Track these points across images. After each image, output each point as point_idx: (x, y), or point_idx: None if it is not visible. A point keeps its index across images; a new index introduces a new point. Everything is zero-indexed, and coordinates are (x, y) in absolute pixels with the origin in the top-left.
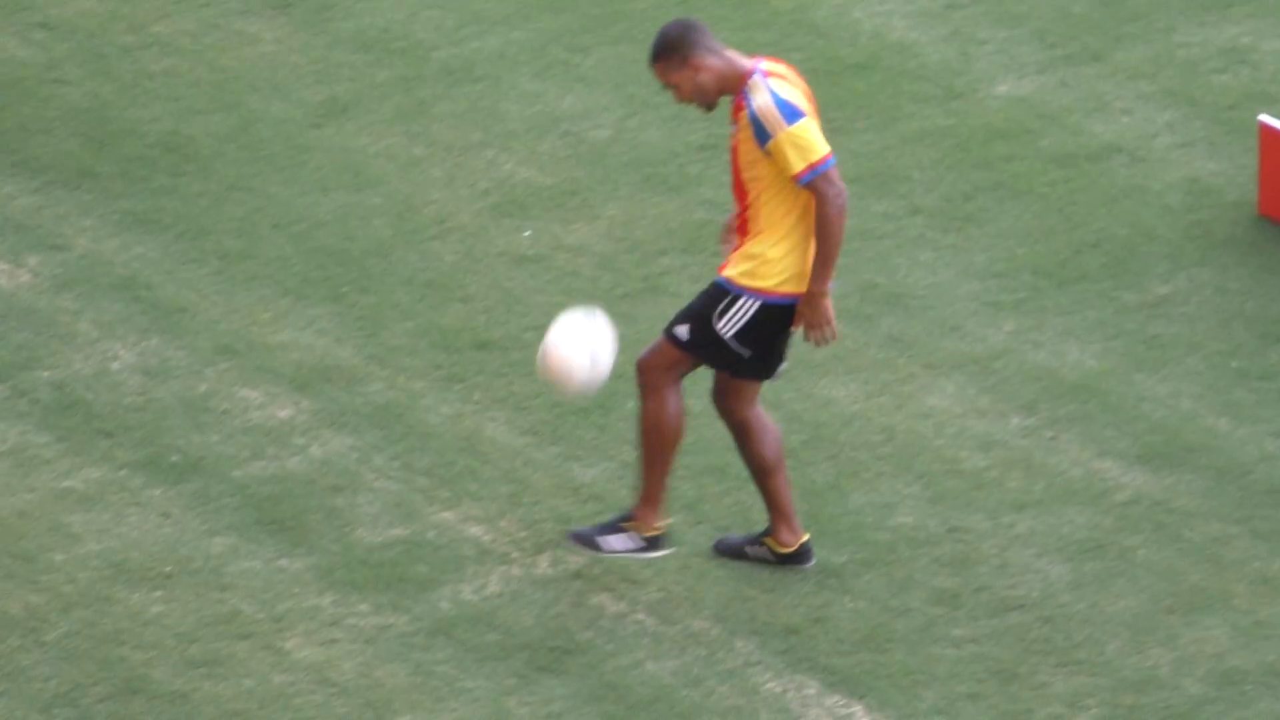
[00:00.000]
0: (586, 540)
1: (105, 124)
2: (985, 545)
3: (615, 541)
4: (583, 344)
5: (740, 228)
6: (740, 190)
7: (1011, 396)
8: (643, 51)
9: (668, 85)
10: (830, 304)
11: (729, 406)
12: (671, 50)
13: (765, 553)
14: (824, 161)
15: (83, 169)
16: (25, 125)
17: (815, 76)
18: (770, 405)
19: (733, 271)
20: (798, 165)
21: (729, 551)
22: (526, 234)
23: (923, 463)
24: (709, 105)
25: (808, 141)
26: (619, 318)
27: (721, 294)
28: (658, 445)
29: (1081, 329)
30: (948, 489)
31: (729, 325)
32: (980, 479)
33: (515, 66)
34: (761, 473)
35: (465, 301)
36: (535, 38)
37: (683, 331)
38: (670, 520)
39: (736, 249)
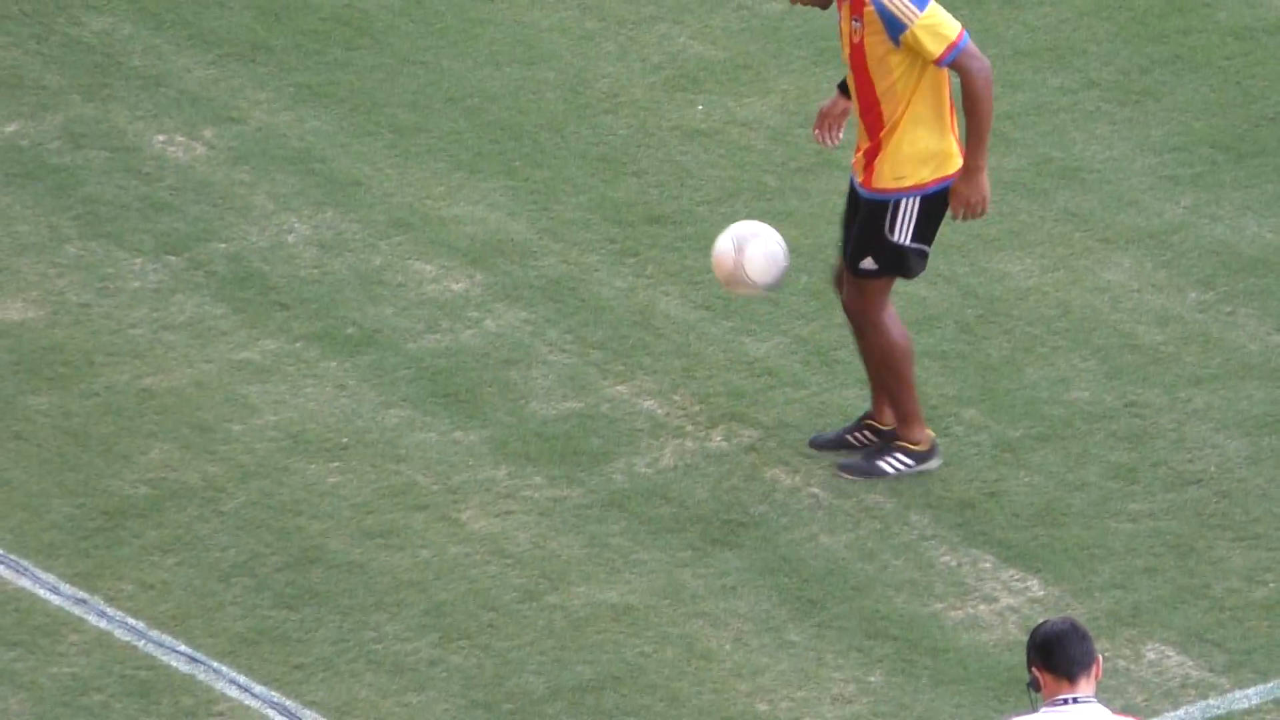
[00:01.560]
0: (862, 470)
1: None
2: (1162, 420)
3: (892, 463)
4: (729, 239)
5: (871, 124)
6: (867, 86)
7: (1188, 271)
8: None
9: None
10: (987, 179)
11: (863, 307)
12: None
13: (869, 436)
14: (962, 38)
15: (257, 42)
16: None
17: None
18: (946, 280)
19: (883, 181)
20: (938, 49)
21: (828, 444)
22: (699, 108)
23: (1099, 337)
24: (824, 2)
25: (942, 23)
26: (793, 191)
27: (882, 208)
28: (897, 368)
29: (1259, 203)
30: (1124, 364)
31: (903, 233)
32: (1157, 354)
33: None
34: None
35: (638, 176)
36: None
37: (869, 264)
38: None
39: (870, 151)
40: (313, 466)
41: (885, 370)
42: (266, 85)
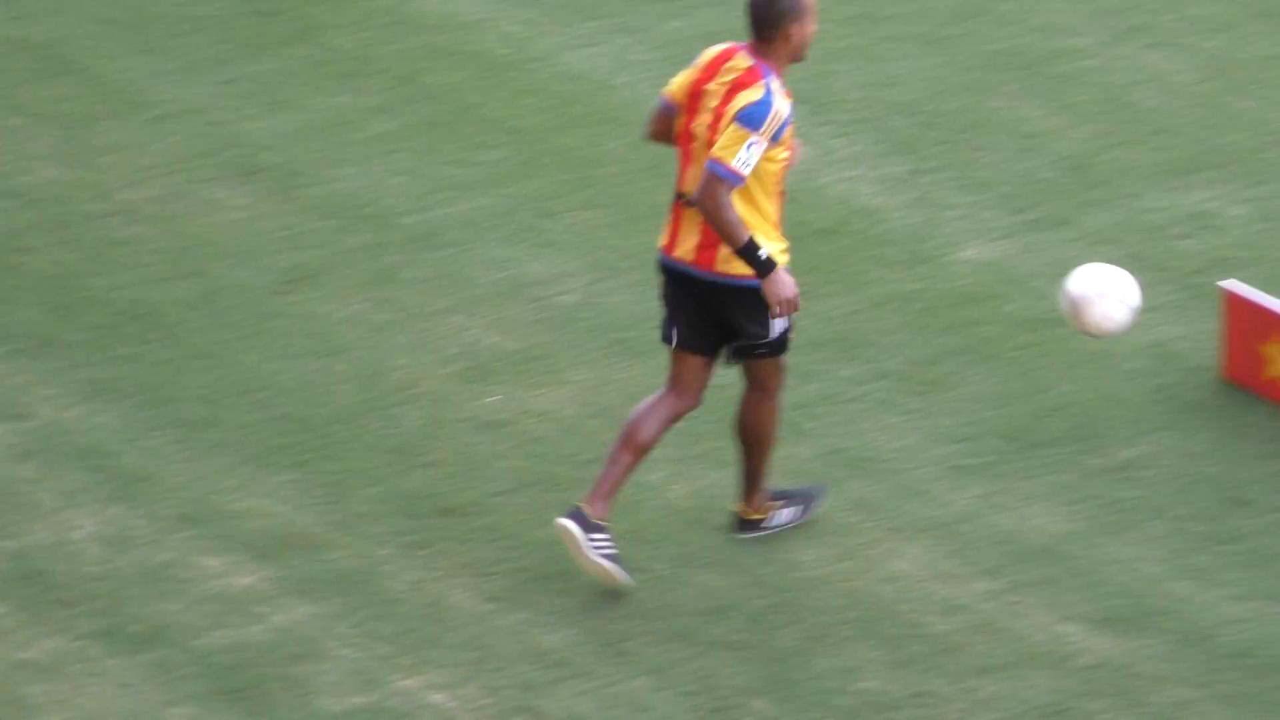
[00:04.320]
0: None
1: (69, 292)
2: (949, 710)
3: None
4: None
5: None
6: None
7: (976, 561)
8: (611, 217)
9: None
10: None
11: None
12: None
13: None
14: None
15: (46, 337)
16: None
17: None
18: (737, 570)
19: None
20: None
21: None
22: (493, 399)
23: (887, 627)
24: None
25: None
26: (584, 484)
27: (757, 293)
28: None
29: (1046, 493)
30: (912, 654)
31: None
32: (944, 643)
33: (483, 232)
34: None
35: (430, 467)
36: (503, 203)
37: (776, 342)
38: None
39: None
40: None
41: (764, 450)
42: (54, 380)
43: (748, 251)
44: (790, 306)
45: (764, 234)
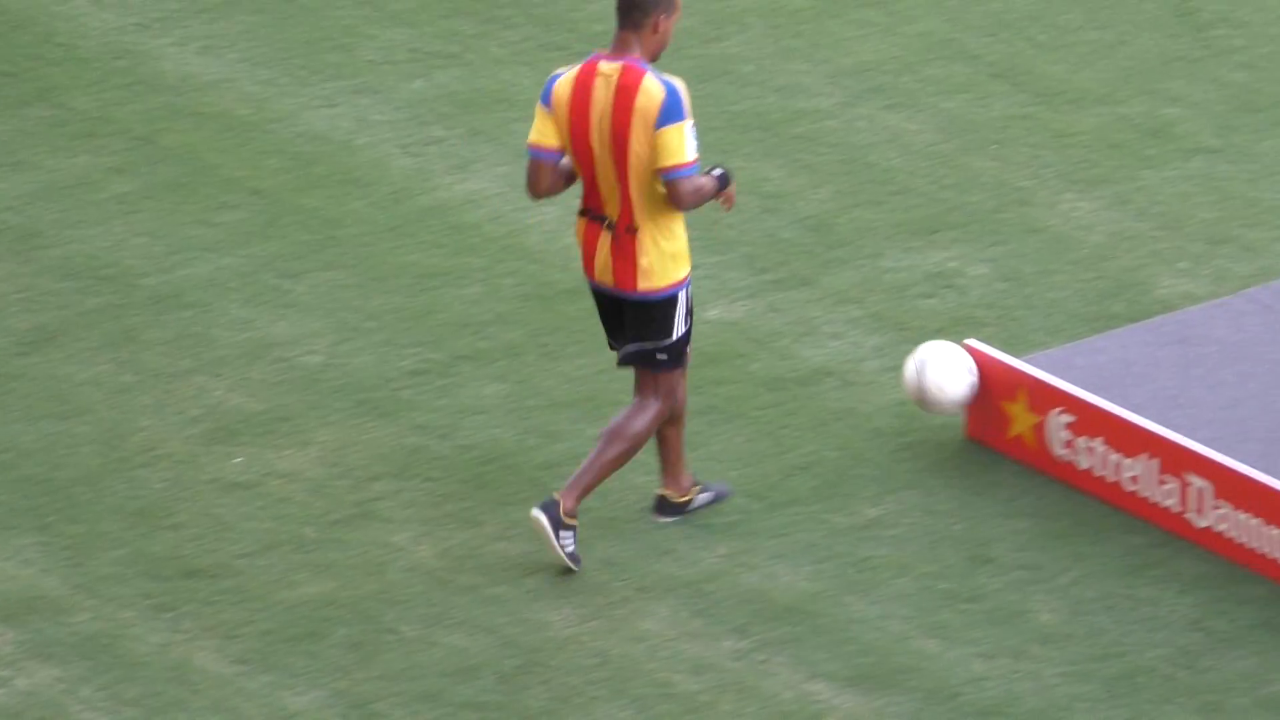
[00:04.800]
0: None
1: None
2: None
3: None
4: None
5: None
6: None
7: (724, 619)
8: (354, 277)
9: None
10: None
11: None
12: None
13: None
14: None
15: None
16: None
17: (527, 301)
18: (485, 630)
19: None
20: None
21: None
22: (237, 460)
23: (636, 687)
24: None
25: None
26: (332, 543)
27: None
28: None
29: (793, 551)
30: (661, 712)
31: (681, 323)
32: (693, 702)
33: (225, 293)
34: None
35: (175, 529)
36: (245, 264)
37: (665, 359)
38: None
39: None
40: None
41: (624, 456)
42: None
43: (721, 183)
44: (729, 199)
45: (673, 222)
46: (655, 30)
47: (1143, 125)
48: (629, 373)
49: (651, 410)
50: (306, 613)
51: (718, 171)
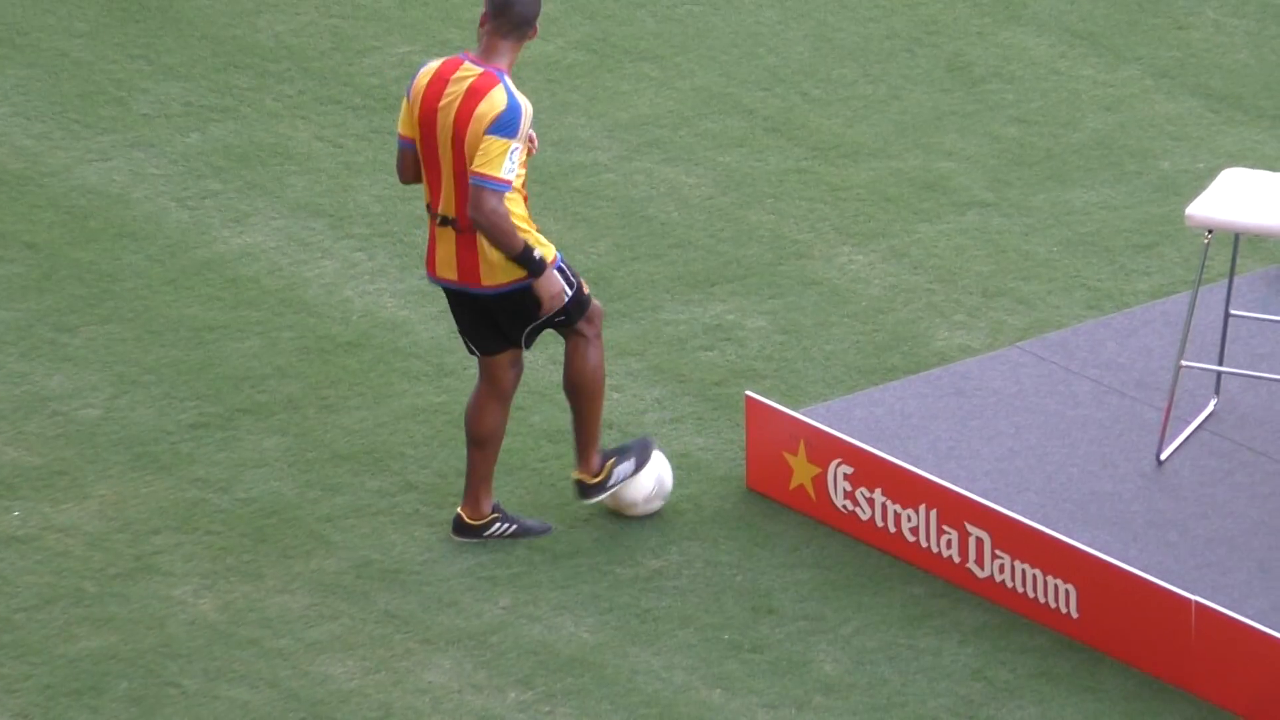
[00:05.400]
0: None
1: None
2: None
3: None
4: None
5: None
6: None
7: (508, 671)
8: (131, 331)
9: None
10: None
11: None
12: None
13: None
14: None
15: None
16: None
17: (307, 355)
18: (268, 684)
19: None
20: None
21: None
22: (15, 514)
23: None
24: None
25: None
26: (112, 597)
27: (522, 294)
28: (600, 397)
29: (575, 603)
30: None
31: (566, 289)
32: None
33: (1, 347)
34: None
35: None
36: (20, 318)
37: (568, 316)
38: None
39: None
40: None
41: (596, 400)
42: None
43: (524, 256)
44: (557, 301)
45: (525, 234)
46: (522, 41)
47: (917, 179)
48: (409, 424)
49: (589, 344)
50: (87, 667)
51: (538, 254)
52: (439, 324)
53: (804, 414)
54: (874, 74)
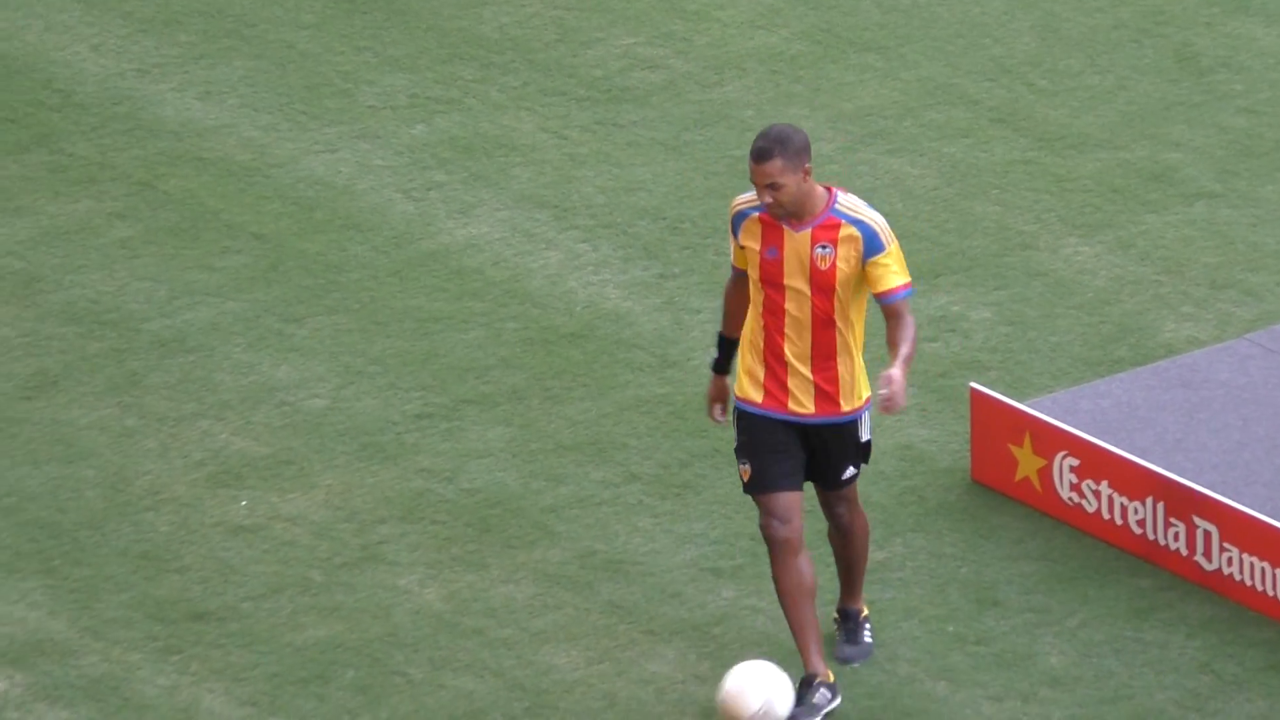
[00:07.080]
0: (863, 653)
1: None
2: None
3: (869, 630)
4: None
5: (824, 350)
6: (827, 311)
7: (731, 662)
8: (357, 321)
9: (771, 184)
10: None
11: (853, 507)
12: (800, 150)
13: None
14: (911, 286)
15: None
16: None
17: (530, 346)
18: (493, 673)
19: (852, 404)
20: (898, 282)
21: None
22: (243, 504)
23: None
24: (789, 214)
25: (903, 261)
26: (339, 587)
27: (854, 426)
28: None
29: None
30: None
31: (867, 430)
32: None
33: (228, 337)
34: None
35: (181, 572)
36: (248, 308)
37: (850, 472)
38: None
39: (830, 379)
40: None
41: (864, 551)
42: None
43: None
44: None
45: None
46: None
47: (1144, 170)
48: (632, 415)
49: (861, 519)
50: (314, 655)
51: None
52: (662, 315)
53: (1029, 406)
54: (1101, 64)
